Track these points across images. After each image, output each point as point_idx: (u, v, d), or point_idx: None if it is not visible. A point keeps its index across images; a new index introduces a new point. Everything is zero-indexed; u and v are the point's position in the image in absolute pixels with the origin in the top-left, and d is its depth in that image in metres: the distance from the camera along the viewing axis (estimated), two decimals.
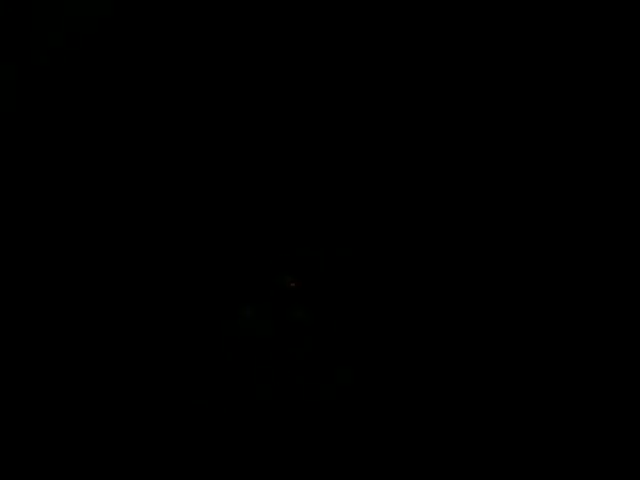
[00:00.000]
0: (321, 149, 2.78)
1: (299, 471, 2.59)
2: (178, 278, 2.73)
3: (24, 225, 2.71)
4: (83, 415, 2.62)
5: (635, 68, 2.69)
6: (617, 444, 2.55)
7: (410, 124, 2.77)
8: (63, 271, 2.70)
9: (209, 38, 2.78)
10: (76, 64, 2.74)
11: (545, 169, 2.73)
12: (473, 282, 2.70)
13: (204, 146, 2.79)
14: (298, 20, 2.78)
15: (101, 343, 2.67)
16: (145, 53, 2.77)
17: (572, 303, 2.66)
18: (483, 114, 2.75)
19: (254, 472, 2.58)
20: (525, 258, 2.70)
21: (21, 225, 2.71)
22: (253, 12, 2.78)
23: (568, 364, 2.63)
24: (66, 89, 2.74)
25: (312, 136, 2.79)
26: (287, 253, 2.73)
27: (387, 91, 2.78)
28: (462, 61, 2.76)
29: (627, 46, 2.70)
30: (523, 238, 2.71)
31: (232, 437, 2.61)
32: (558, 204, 2.71)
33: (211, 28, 2.78)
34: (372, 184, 2.77)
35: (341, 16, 2.77)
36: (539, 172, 2.73)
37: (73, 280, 2.70)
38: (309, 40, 2.78)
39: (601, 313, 2.63)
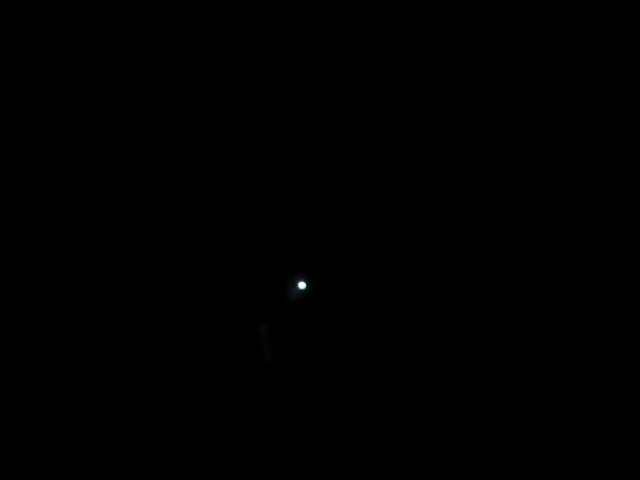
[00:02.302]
0: (321, 149, 2.79)
1: (299, 471, 2.59)
2: (178, 278, 2.73)
3: (24, 225, 2.71)
4: (83, 415, 2.62)
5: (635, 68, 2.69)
6: (617, 444, 2.56)
7: (409, 124, 2.78)
8: (62, 270, 2.70)
9: (210, 39, 2.78)
10: (76, 64, 2.74)
11: (545, 170, 2.73)
12: (474, 282, 2.70)
13: (204, 145, 2.79)
14: (296, 19, 2.78)
15: (100, 342, 2.67)
16: (145, 53, 2.77)
17: (571, 305, 2.66)
18: (483, 115, 2.75)
19: (254, 472, 2.59)
20: (524, 252, 2.70)
21: (21, 225, 2.71)
22: (246, 9, 2.78)
23: (567, 367, 2.63)
24: (66, 89, 2.74)
25: (312, 136, 2.79)
26: (287, 253, 2.73)
27: (387, 91, 2.79)
28: (462, 63, 2.76)
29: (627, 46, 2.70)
30: (522, 236, 2.71)
31: (231, 437, 2.61)
32: (557, 205, 2.71)
33: (211, 29, 2.78)
34: (372, 184, 2.77)
35: (341, 16, 2.78)
36: (539, 173, 2.73)
37: (72, 280, 2.70)
38: (309, 40, 2.78)
39: (601, 317, 2.64)
